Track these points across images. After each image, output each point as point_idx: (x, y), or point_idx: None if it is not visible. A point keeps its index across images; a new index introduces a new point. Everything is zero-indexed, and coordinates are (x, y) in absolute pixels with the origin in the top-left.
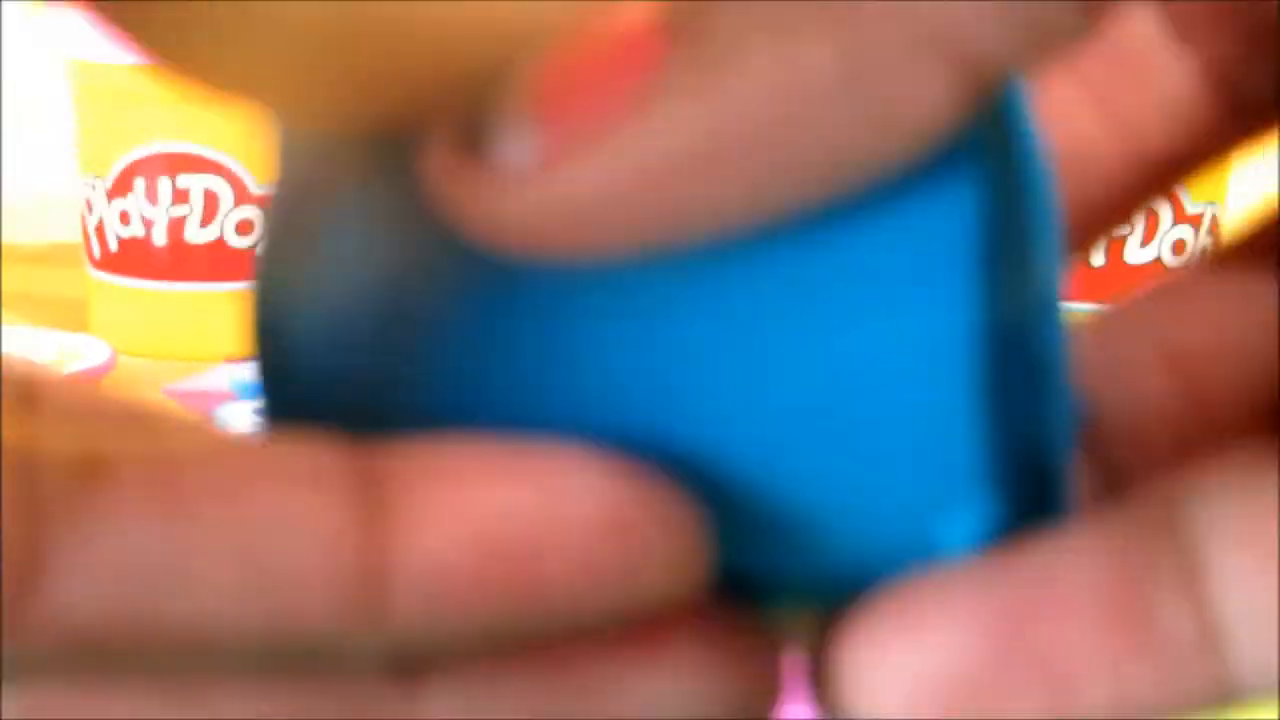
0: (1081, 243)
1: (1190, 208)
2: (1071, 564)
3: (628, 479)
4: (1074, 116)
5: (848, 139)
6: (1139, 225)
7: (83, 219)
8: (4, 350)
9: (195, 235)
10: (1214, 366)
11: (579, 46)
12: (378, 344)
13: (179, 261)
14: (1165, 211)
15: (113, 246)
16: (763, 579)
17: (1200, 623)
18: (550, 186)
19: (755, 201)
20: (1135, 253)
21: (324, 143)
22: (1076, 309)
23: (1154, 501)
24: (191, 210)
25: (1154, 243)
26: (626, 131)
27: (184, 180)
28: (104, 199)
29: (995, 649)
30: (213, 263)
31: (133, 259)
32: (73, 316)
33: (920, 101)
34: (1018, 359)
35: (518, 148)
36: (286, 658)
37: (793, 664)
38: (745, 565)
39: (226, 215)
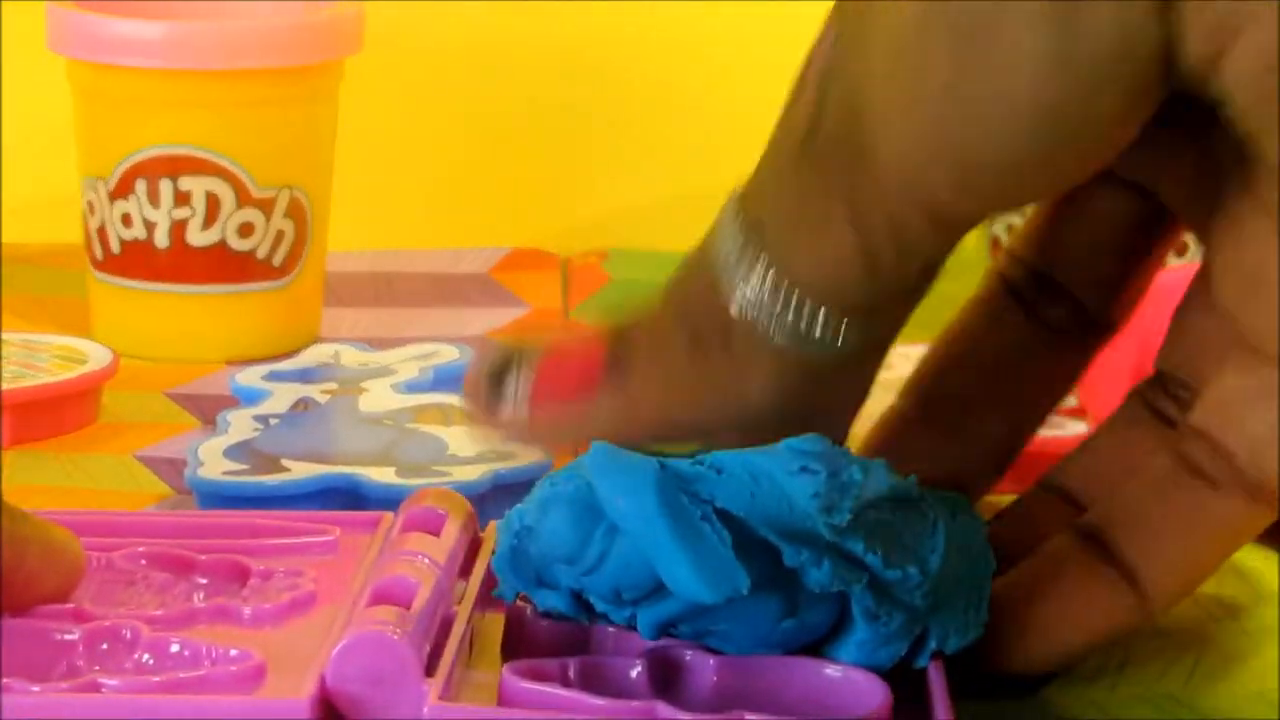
0: None
1: None
2: None
3: None
4: None
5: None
6: None
7: (84, 221)
8: (4, 353)
9: (197, 238)
10: None
11: (564, 352)
12: None
13: (181, 264)
14: None
15: (115, 249)
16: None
17: None
18: (526, 416)
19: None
20: None
21: None
22: None
23: None
24: (194, 213)
25: None
26: (575, 408)
27: (186, 183)
28: (106, 201)
29: None
30: (214, 265)
31: (135, 261)
32: (74, 319)
33: None
34: None
35: (518, 389)
36: None
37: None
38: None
39: (228, 218)
